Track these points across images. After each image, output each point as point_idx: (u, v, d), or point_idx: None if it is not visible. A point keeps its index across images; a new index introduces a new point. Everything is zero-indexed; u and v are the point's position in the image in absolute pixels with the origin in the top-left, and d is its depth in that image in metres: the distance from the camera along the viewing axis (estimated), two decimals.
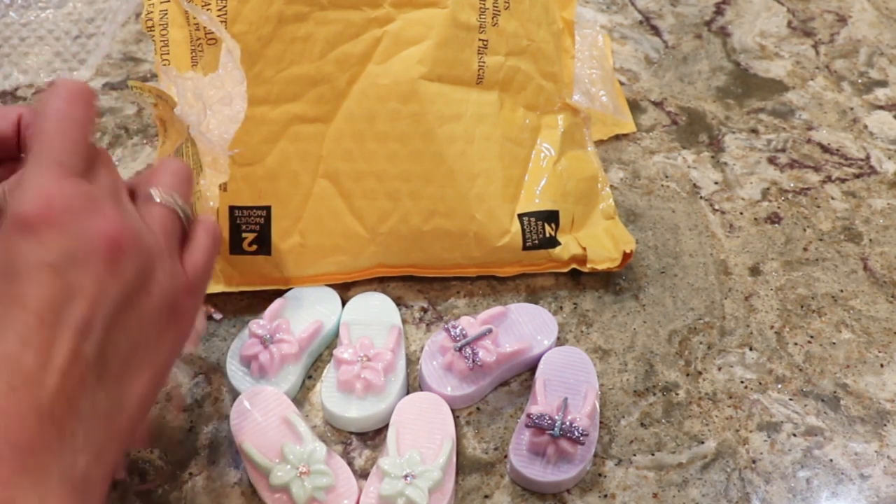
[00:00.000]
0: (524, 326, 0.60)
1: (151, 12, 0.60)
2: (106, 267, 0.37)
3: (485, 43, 0.62)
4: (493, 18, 0.62)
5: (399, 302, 0.63)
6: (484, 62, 0.62)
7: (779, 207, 0.71)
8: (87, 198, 0.37)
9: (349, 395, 0.56)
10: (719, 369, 0.60)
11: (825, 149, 0.77)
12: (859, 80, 0.84)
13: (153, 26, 0.60)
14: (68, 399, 0.35)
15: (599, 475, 0.54)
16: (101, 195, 0.38)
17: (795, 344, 0.62)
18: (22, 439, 0.33)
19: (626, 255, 0.63)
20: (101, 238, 0.37)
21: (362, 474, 0.54)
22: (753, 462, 0.55)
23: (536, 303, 0.63)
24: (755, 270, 0.66)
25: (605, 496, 0.53)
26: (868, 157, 0.76)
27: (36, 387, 0.34)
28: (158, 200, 0.41)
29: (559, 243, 0.64)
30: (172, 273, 0.40)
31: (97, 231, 0.37)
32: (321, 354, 0.61)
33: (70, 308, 0.35)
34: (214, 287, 0.61)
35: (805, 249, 0.68)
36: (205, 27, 0.59)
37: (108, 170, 0.40)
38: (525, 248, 0.63)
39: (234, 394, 0.56)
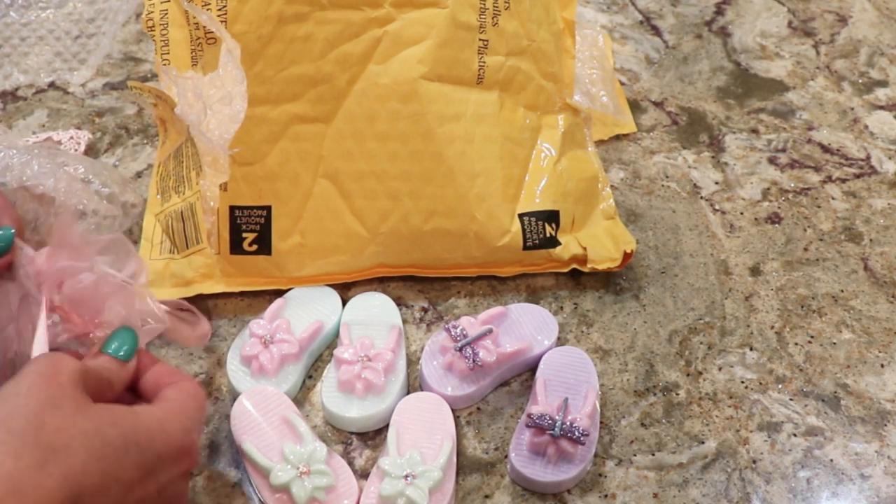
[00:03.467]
0: (524, 326, 0.60)
1: (152, 12, 0.60)
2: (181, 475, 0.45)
3: (485, 43, 0.62)
4: (493, 18, 0.62)
5: (399, 302, 0.63)
6: (484, 62, 0.62)
7: (779, 207, 0.71)
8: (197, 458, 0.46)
9: (349, 395, 0.56)
10: (720, 369, 0.60)
11: (825, 149, 0.77)
12: (860, 81, 0.84)
13: (153, 26, 0.60)
14: None
15: (600, 475, 0.54)
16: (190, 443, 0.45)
17: (796, 344, 0.62)
18: None
19: (626, 255, 0.63)
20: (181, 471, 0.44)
21: (363, 474, 0.54)
22: (754, 462, 0.55)
23: (537, 303, 0.63)
24: (755, 270, 0.66)
25: (606, 496, 0.53)
26: (868, 157, 0.76)
27: None
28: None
29: (559, 243, 0.64)
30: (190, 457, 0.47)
31: (181, 498, 0.45)
32: (321, 354, 0.61)
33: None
34: (215, 287, 0.61)
35: (805, 249, 0.68)
36: (205, 27, 0.59)
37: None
38: (525, 247, 0.63)
39: (235, 394, 0.56)
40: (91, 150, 0.74)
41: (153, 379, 0.47)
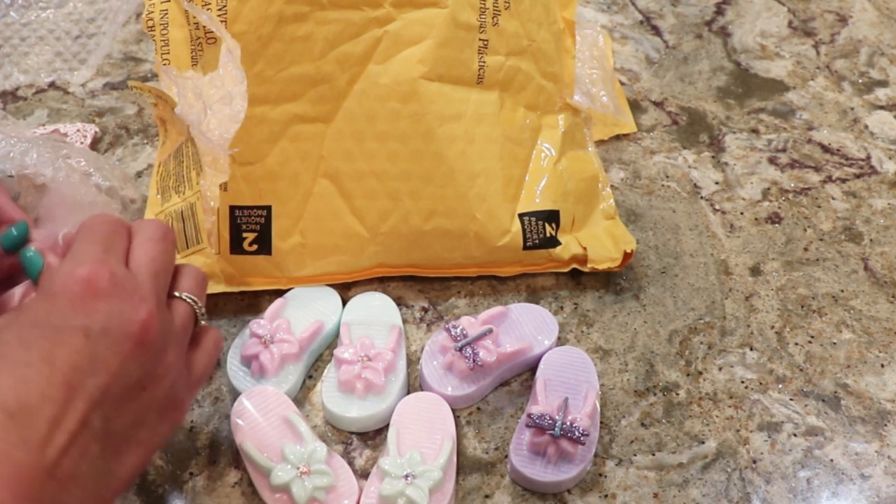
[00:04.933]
0: (524, 326, 0.60)
1: (152, 12, 0.60)
2: (132, 350, 0.40)
3: (485, 43, 0.62)
4: (493, 18, 0.62)
5: (399, 302, 0.63)
6: (484, 62, 0.62)
7: (779, 207, 0.71)
8: (134, 283, 0.41)
9: (350, 395, 0.56)
10: (720, 369, 0.60)
11: (826, 149, 0.77)
12: (860, 80, 0.84)
13: (154, 26, 0.60)
14: (72, 461, 0.37)
15: (600, 475, 0.54)
16: (145, 285, 0.42)
17: (796, 344, 0.62)
18: (25, 492, 0.35)
19: (626, 255, 0.63)
20: (136, 323, 0.40)
21: (363, 474, 0.54)
22: (754, 462, 0.55)
23: (537, 303, 0.63)
24: (756, 270, 0.66)
25: (606, 496, 0.53)
26: (868, 157, 0.76)
27: (46, 443, 0.36)
28: (185, 300, 0.45)
29: (560, 243, 0.64)
30: (180, 370, 0.44)
31: (135, 316, 0.40)
32: (322, 354, 0.61)
33: (92, 377, 0.38)
34: (215, 287, 0.61)
35: (805, 249, 0.68)
36: (205, 27, 0.59)
37: (140, 241, 0.44)
38: (525, 247, 0.63)
39: (235, 394, 0.56)
40: (93, 147, 0.74)
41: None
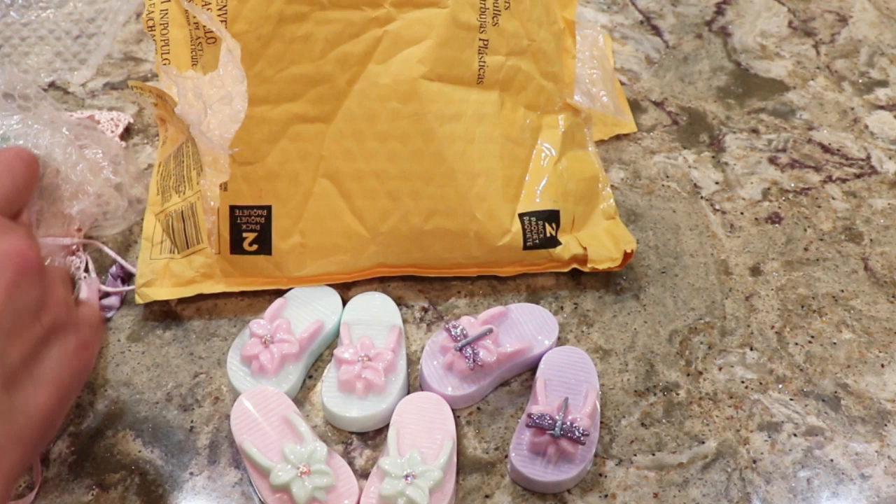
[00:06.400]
0: (525, 326, 0.60)
1: (152, 12, 0.60)
2: (13, 279, 0.39)
3: (485, 43, 0.62)
4: (493, 18, 0.62)
5: (400, 302, 0.63)
6: (484, 62, 0.62)
7: (779, 207, 0.71)
8: (11, 225, 0.41)
9: (350, 394, 0.56)
10: (720, 369, 0.60)
11: (826, 149, 0.77)
12: (860, 80, 0.84)
13: (154, 26, 0.60)
14: None
15: (600, 475, 0.54)
16: (20, 225, 0.42)
17: (796, 344, 0.62)
18: None
19: (626, 255, 0.63)
20: (13, 254, 0.40)
21: (363, 474, 0.54)
22: (754, 462, 0.55)
23: (537, 303, 0.63)
24: (756, 270, 0.66)
25: (606, 496, 0.53)
26: (869, 157, 0.76)
27: None
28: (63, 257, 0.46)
29: (560, 243, 0.64)
30: (67, 304, 0.43)
31: (12, 247, 0.40)
32: (322, 354, 0.61)
33: None
34: (215, 287, 0.61)
35: (806, 249, 0.68)
36: (205, 26, 0.59)
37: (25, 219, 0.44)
38: (526, 247, 0.63)
39: (235, 393, 0.56)
40: (124, 137, 0.75)
41: None
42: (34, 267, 0.40)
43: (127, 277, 0.64)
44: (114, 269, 0.64)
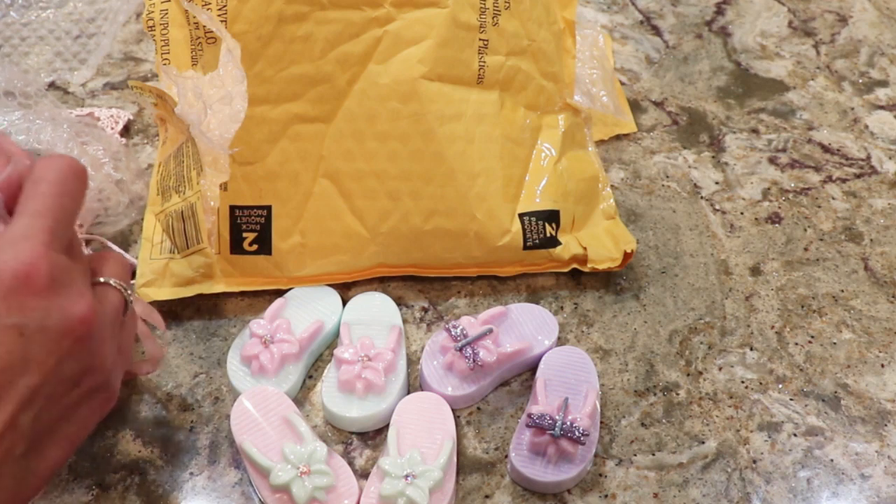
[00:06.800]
0: (525, 326, 0.60)
1: (152, 12, 0.60)
2: (70, 347, 0.37)
3: (485, 43, 0.62)
4: (493, 18, 0.62)
5: (400, 302, 0.63)
6: (484, 62, 0.62)
7: (779, 207, 0.71)
8: (70, 276, 0.38)
9: (350, 394, 0.56)
10: (720, 369, 0.60)
11: (826, 149, 0.77)
12: (860, 80, 0.84)
13: (154, 26, 0.60)
14: None
15: (600, 475, 0.54)
16: (81, 277, 0.39)
17: (796, 344, 0.62)
18: None
19: (626, 255, 0.63)
20: (74, 320, 0.37)
21: (363, 474, 0.54)
22: (754, 462, 0.55)
23: (537, 303, 0.63)
24: (756, 270, 0.66)
25: (606, 496, 0.53)
26: (869, 157, 0.76)
27: None
28: (116, 286, 0.43)
29: (560, 243, 0.64)
30: (115, 360, 0.42)
31: (73, 313, 0.38)
32: (322, 354, 0.61)
33: (23, 377, 0.36)
34: (215, 287, 0.61)
35: (806, 249, 0.68)
36: (205, 26, 0.59)
37: (81, 249, 0.42)
38: (526, 247, 0.63)
39: (235, 393, 0.56)
40: (124, 134, 0.75)
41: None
42: (92, 335, 0.38)
43: (132, 273, 0.64)
44: None
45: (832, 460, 0.55)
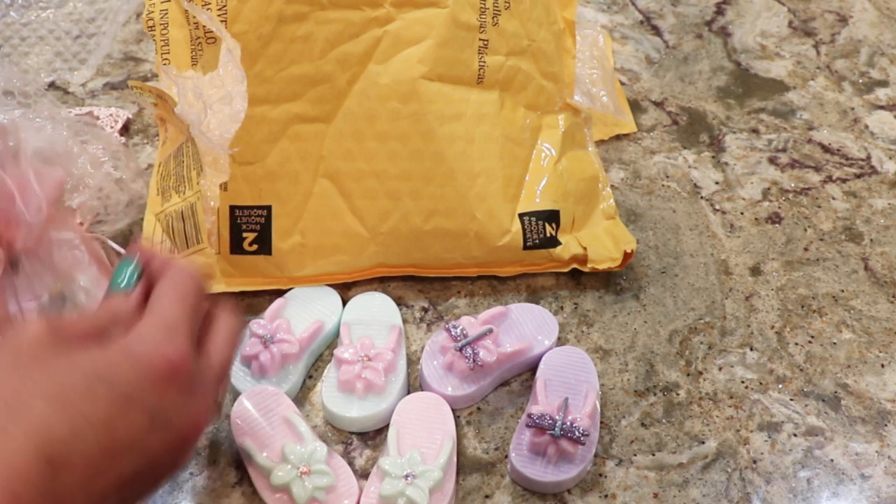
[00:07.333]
0: (525, 326, 0.60)
1: (152, 12, 0.60)
2: (179, 447, 0.40)
3: (485, 43, 0.62)
4: (493, 18, 0.62)
5: (400, 302, 0.63)
6: (484, 62, 0.62)
7: (779, 207, 0.71)
8: (205, 384, 0.41)
9: (350, 394, 0.56)
10: (720, 369, 0.60)
11: (826, 149, 0.77)
12: (860, 80, 0.84)
13: (154, 26, 0.60)
14: None
15: (600, 475, 0.54)
16: (213, 388, 0.42)
17: (796, 344, 0.62)
18: None
19: (626, 255, 0.63)
20: (195, 426, 0.41)
21: (363, 474, 0.54)
22: (754, 462, 0.55)
23: (537, 303, 0.63)
24: (756, 270, 0.66)
25: (606, 496, 0.53)
26: (869, 157, 0.76)
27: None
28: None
29: (560, 243, 0.64)
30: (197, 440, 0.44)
31: (197, 419, 0.41)
32: (322, 354, 0.60)
33: (136, 458, 0.38)
34: (215, 287, 0.61)
35: (806, 249, 0.68)
36: (205, 26, 0.59)
37: (220, 336, 0.44)
38: (526, 247, 0.63)
39: (235, 393, 0.56)
40: (123, 133, 0.75)
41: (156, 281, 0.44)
42: (197, 442, 0.42)
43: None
44: None
45: (832, 460, 0.55)
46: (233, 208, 0.60)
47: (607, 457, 0.55)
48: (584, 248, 0.64)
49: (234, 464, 0.54)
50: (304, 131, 0.60)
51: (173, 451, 0.40)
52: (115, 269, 0.44)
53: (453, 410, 0.56)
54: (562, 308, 0.63)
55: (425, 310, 0.63)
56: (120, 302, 0.43)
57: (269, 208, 0.61)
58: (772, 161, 0.75)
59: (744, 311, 0.63)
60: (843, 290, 0.65)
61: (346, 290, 0.63)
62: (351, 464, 0.54)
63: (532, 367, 0.59)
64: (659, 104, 0.80)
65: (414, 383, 0.59)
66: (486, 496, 0.53)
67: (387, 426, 0.55)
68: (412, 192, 0.61)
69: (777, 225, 0.70)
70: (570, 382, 0.56)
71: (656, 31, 0.89)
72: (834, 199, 0.72)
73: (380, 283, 0.64)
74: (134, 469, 0.38)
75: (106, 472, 0.36)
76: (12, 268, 0.51)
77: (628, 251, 0.63)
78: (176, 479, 0.48)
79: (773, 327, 0.63)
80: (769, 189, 0.73)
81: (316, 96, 0.60)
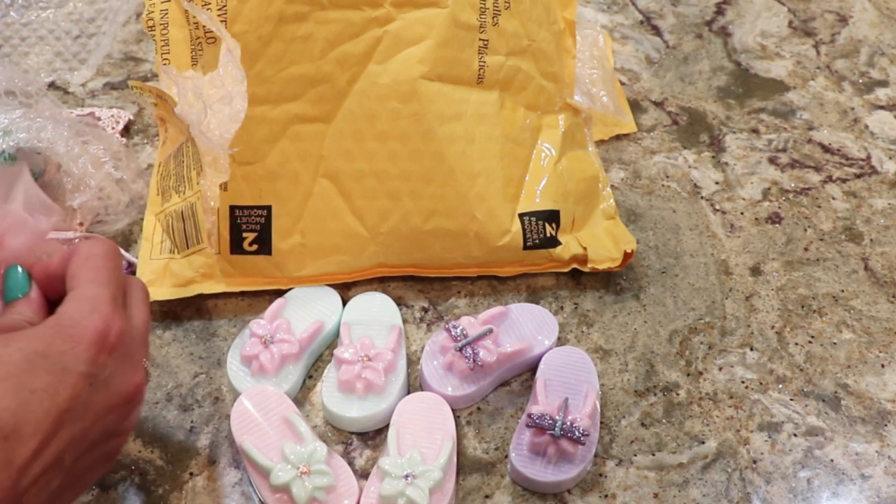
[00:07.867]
0: (525, 326, 0.60)
1: (152, 12, 0.60)
2: (121, 407, 0.43)
3: (485, 43, 0.62)
4: (493, 18, 0.62)
5: (400, 302, 0.63)
6: (484, 62, 0.62)
7: (779, 207, 0.71)
8: (135, 345, 0.44)
9: (350, 395, 0.56)
10: (720, 369, 0.60)
11: (826, 149, 0.77)
12: (860, 80, 0.84)
13: (154, 26, 0.60)
14: (36, 491, 0.39)
15: (600, 475, 0.54)
16: (138, 344, 0.45)
17: (796, 344, 0.62)
18: None
19: (626, 255, 0.63)
20: (131, 385, 0.43)
21: (363, 474, 0.54)
22: (754, 462, 0.55)
23: (537, 303, 0.63)
24: (756, 270, 0.66)
25: (606, 496, 0.53)
26: (869, 157, 0.76)
27: (25, 470, 0.38)
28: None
29: (560, 243, 0.64)
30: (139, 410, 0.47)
31: (133, 378, 0.44)
32: (322, 354, 0.61)
33: (80, 421, 0.41)
34: (215, 287, 0.61)
35: (806, 249, 0.68)
36: (205, 26, 0.59)
37: (131, 313, 0.46)
38: (526, 247, 0.63)
39: (235, 394, 0.56)
40: (124, 134, 0.75)
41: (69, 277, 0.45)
42: (140, 401, 0.45)
43: (133, 272, 0.64)
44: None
45: (832, 460, 0.55)
46: (233, 208, 0.60)
47: (607, 457, 0.55)
48: (584, 248, 0.64)
49: (234, 464, 0.54)
50: (304, 131, 0.60)
51: (117, 408, 0.43)
52: (4, 283, 0.46)
53: (453, 410, 0.56)
54: (562, 308, 0.63)
55: (425, 310, 0.63)
56: (23, 305, 0.45)
57: (269, 208, 0.61)
58: (772, 161, 0.75)
59: (744, 311, 0.64)
60: (843, 290, 0.65)
61: (346, 290, 0.63)
62: (351, 464, 0.54)
63: (532, 367, 0.59)
64: (659, 104, 0.80)
65: (414, 383, 0.59)
66: (486, 496, 0.53)
67: (387, 426, 0.55)
68: (412, 192, 0.61)
69: (777, 225, 0.70)
70: (570, 382, 0.56)
71: (656, 31, 0.89)
72: (834, 199, 0.72)
73: (380, 283, 0.64)
74: (81, 429, 0.40)
75: (56, 436, 0.39)
76: None
77: (628, 251, 0.63)
78: (128, 438, 0.49)
79: (773, 327, 0.63)
80: (769, 189, 0.73)
81: (316, 96, 0.60)
